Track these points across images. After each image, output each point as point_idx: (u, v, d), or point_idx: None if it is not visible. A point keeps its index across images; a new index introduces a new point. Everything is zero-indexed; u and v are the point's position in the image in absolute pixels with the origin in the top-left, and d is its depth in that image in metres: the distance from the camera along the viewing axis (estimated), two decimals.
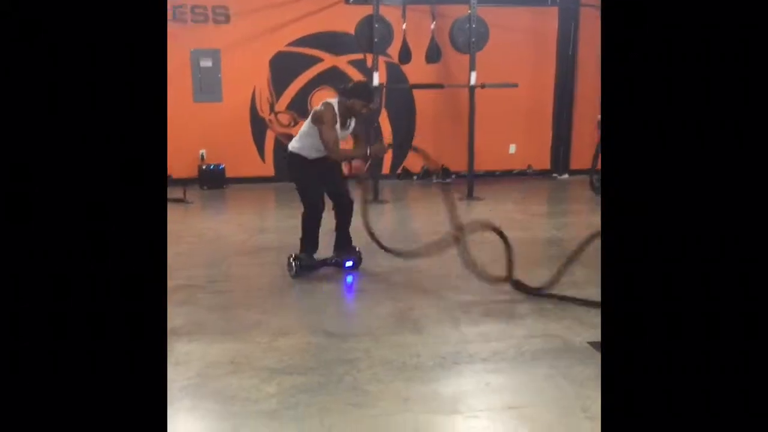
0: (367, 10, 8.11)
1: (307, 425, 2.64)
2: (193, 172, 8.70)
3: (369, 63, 8.38)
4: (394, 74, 9.02)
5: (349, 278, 4.77)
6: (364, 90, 4.60)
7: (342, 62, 9.06)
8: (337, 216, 4.88)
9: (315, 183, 4.71)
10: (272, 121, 9.05)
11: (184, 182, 8.20)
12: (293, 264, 4.69)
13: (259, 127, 9.06)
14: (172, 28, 8.46)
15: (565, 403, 2.81)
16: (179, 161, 8.63)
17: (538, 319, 3.82)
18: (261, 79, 8.90)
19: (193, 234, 6.34)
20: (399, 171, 9.53)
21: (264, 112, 9.02)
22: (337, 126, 4.52)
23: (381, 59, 8.43)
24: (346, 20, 8.62)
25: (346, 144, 4.92)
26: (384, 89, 8.89)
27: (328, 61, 9.00)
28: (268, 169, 9.18)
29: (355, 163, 4.97)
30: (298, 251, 4.81)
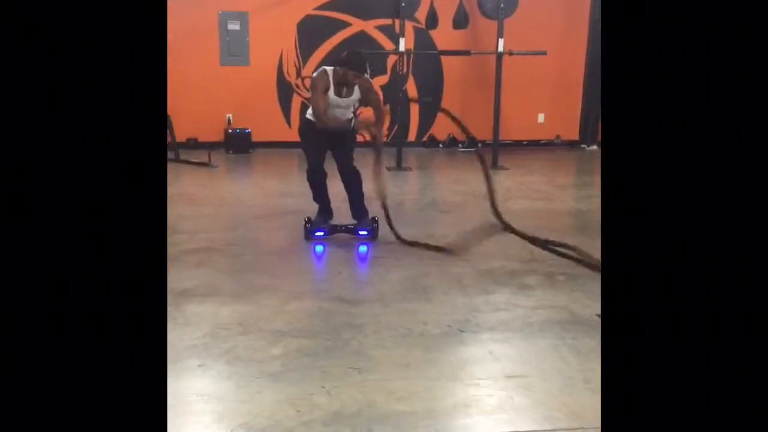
0: None
1: (307, 387, 2.67)
2: (219, 136, 8.72)
3: (397, 28, 8.37)
4: (422, 40, 8.95)
5: (363, 248, 4.74)
6: (356, 60, 4.61)
7: (370, 27, 8.97)
8: (344, 187, 4.95)
9: (315, 147, 4.77)
10: (299, 85, 9.03)
11: (210, 146, 8.23)
12: (306, 227, 4.82)
13: (285, 91, 9.04)
14: None
15: (567, 374, 2.79)
16: (205, 125, 8.72)
17: (547, 291, 3.80)
18: (288, 43, 8.85)
19: (216, 198, 6.41)
20: (425, 138, 9.52)
21: (291, 76, 8.99)
22: (330, 93, 4.59)
23: (408, 24, 8.36)
24: None
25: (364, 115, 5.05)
26: (411, 55, 8.84)
27: (357, 25, 8.94)
28: (293, 134, 9.21)
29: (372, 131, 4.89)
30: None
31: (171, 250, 4.37)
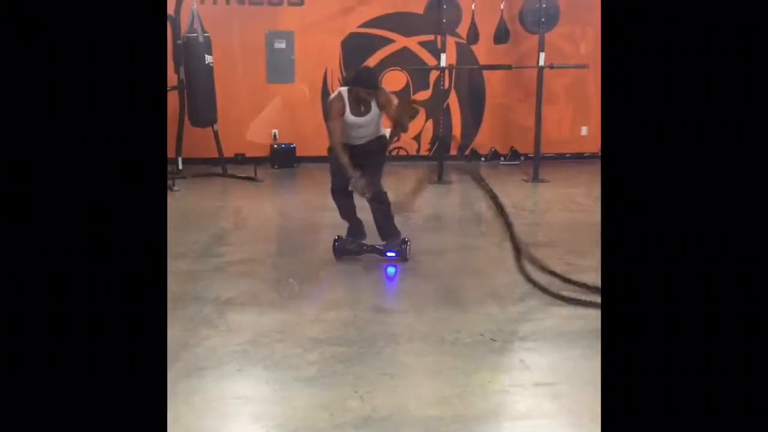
0: None
1: (341, 392, 2.76)
2: (265, 152, 8.80)
3: (439, 44, 8.37)
4: (464, 54, 8.92)
5: (391, 269, 4.55)
6: (364, 76, 4.49)
7: (412, 43, 9.01)
8: (369, 205, 4.79)
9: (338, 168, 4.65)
10: None
11: (256, 161, 8.32)
12: (335, 245, 4.67)
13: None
14: (247, 10, 8.62)
15: (597, 383, 2.82)
16: (251, 140, 8.97)
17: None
18: (333, 60, 8.91)
19: (261, 211, 6.55)
20: (467, 152, 9.55)
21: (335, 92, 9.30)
22: (347, 114, 4.47)
23: (450, 40, 8.35)
24: (417, 1, 8.61)
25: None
26: (453, 70, 8.92)
27: (399, 42, 8.96)
28: None
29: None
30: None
31: (217, 261, 4.68)
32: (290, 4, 8.69)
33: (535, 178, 7.90)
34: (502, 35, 8.47)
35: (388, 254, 4.72)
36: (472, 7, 8.25)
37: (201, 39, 7.55)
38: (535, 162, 8.07)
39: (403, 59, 8.93)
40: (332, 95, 4.63)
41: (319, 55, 8.91)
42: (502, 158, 9.27)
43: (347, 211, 4.87)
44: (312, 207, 6.69)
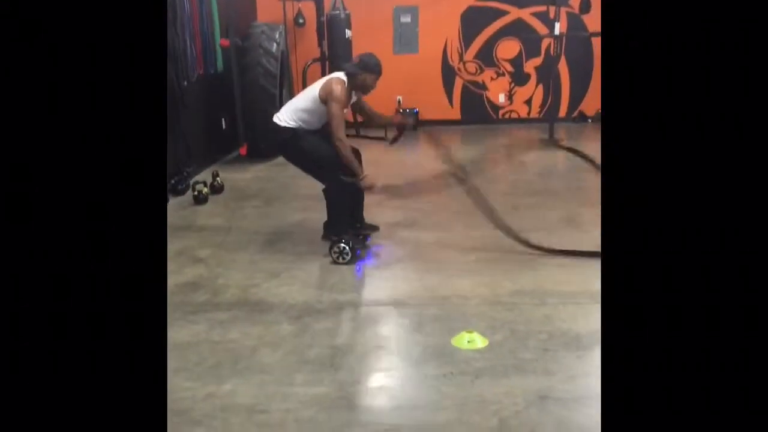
0: None
1: (495, 278, 3.61)
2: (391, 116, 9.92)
3: (551, 14, 8.50)
4: (575, 23, 8.82)
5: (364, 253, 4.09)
6: (375, 63, 3.93)
7: (526, 14, 8.94)
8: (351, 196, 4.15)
9: (327, 145, 3.91)
10: (461, 69, 9.47)
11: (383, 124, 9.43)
12: (343, 251, 3.86)
13: (449, 75, 9.30)
14: None
15: None
16: (379, 106, 9.78)
17: None
18: (452, 31, 9.08)
19: (394, 162, 6.99)
20: (574, 114, 9.57)
21: (454, 61, 9.31)
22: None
23: (563, 10, 8.32)
24: None
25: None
26: (564, 38, 9.54)
27: (514, 13, 9.00)
28: (455, 113, 9.44)
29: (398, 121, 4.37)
30: (333, 236, 4.01)
31: (376, 198, 5.01)
32: None
33: None
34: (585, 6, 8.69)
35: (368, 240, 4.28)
36: None
37: (342, 15, 8.25)
38: None
39: (517, 29, 9.01)
40: (332, 79, 3.90)
41: (440, 28, 9.04)
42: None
43: (346, 197, 4.12)
44: (437, 158, 7.65)
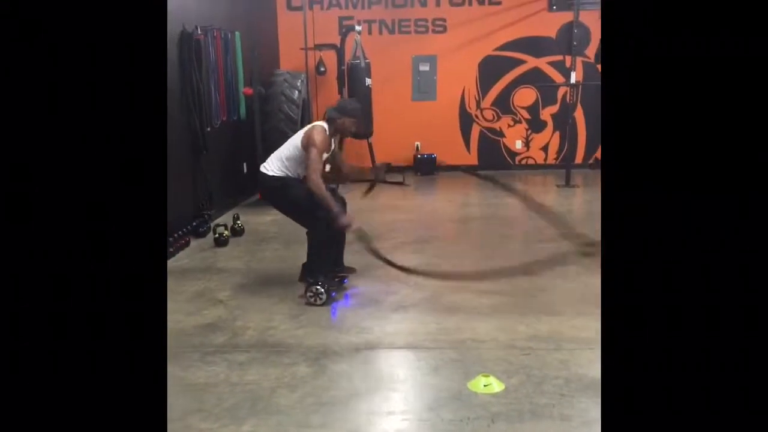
0: (567, 16, 8.50)
1: (509, 321, 3.62)
2: (409, 161, 9.23)
3: (568, 63, 8.71)
4: (590, 72, 8.93)
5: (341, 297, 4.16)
6: (354, 108, 4.10)
7: (542, 63, 9.05)
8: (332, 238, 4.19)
9: (309, 194, 3.93)
10: (478, 116, 9.53)
11: (401, 169, 8.71)
12: (318, 293, 3.94)
13: (466, 121, 9.39)
14: (397, 39, 9.12)
15: None
16: (398, 151, 9.67)
17: None
18: (470, 79, 9.20)
19: (412, 208, 7.27)
20: (591, 161, 9.51)
21: (471, 108, 9.42)
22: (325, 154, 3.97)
23: (578, 59, 8.51)
24: (548, 26, 8.83)
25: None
26: (580, 87, 9.66)
27: (530, 62, 9.13)
28: (472, 158, 9.51)
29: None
30: (309, 278, 4.06)
31: (393, 242, 5.35)
32: (435, 31, 9.09)
33: None
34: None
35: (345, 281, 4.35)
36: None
37: (363, 64, 8.61)
38: None
39: (533, 77, 9.13)
40: (314, 126, 4.03)
41: (458, 76, 9.19)
42: None
43: (330, 237, 4.14)
44: (456, 204, 7.72)
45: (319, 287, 3.93)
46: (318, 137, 3.93)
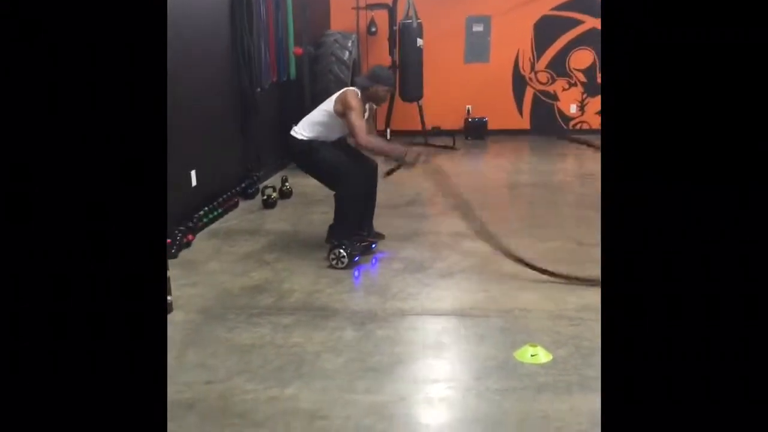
0: None
1: (561, 292, 3.50)
2: (459, 125, 9.09)
3: None
4: None
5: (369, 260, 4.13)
6: (387, 75, 4.10)
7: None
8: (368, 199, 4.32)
9: (343, 155, 4.10)
10: (532, 79, 9.28)
11: (451, 133, 8.60)
12: (340, 256, 3.95)
13: (519, 84, 9.18)
14: None
15: None
16: (449, 114, 9.15)
17: None
18: (525, 41, 8.98)
19: (462, 171, 7.09)
20: None
21: (525, 71, 9.18)
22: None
23: None
24: None
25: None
26: None
27: (589, 22, 8.84)
28: (525, 122, 9.29)
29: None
30: (334, 241, 4.08)
31: (440, 208, 5.33)
32: None
33: None
34: None
35: (373, 246, 4.34)
36: None
37: (414, 24, 8.38)
38: None
39: (590, 39, 8.82)
40: (345, 91, 4.04)
41: (513, 37, 8.95)
42: None
43: (361, 202, 4.25)
44: (506, 170, 7.53)
45: (341, 250, 3.93)
46: (353, 101, 3.92)
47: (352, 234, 4.13)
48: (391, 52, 8.47)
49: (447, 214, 4.96)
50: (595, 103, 9.57)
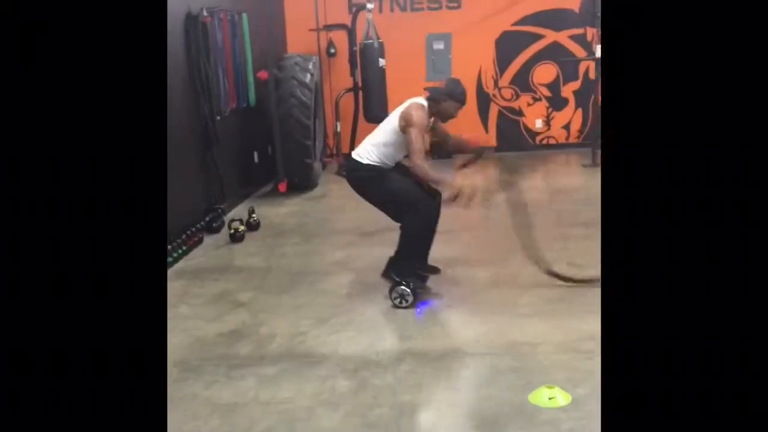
0: None
1: (568, 319, 3.26)
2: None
3: (589, 37, 8.36)
4: None
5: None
6: (461, 92, 3.69)
7: (563, 37, 8.67)
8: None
9: (411, 183, 3.68)
10: (496, 95, 9.06)
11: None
12: (404, 294, 3.61)
13: (483, 101, 8.97)
14: (411, 16, 8.76)
15: None
16: None
17: None
18: (487, 57, 8.78)
19: None
20: None
21: (489, 87, 8.99)
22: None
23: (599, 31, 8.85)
24: None
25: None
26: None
27: (550, 37, 8.74)
28: (491, 139, 9.27)
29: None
30: (396, 277, 3.70)
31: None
32: (449, 7, 8.69)
33: None
34: None
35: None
36: None
37: (376, 45, 8.36)
38: None
39: (553, 53, 8.69)
40: (411, 105, 3.63)
41: (474, 54, 8.74)
42: None
43: (432, 232, 3.81)
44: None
45: (405, 287, 3.57)
46: (418, 116, 3.54)
47: (416, 269, 3.74)
48: (352, 74, 8.23)
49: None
50: (561, 117, 9.47)
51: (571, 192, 6.50)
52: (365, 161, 3.71)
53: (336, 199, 6.68)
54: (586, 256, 4.21)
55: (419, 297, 3.62)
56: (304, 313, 3.61)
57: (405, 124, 3.55)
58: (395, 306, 3.57)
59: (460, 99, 3.71)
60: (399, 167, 3.76)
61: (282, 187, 6.73)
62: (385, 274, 3.92)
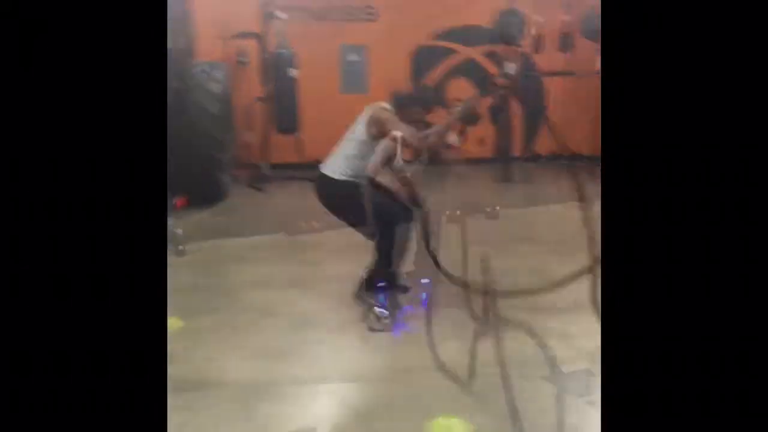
0: (502, 2, 8.24)
1: (454, 341, 3.03)
2: None
3: (504, 53, 8.40)
4: (526, 63, 8.80)
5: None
6: (430, 95, 3.71)
7: (477, 54, 8.87)
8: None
9: (387, 198, 3.58)
10: None
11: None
12: (383, 314, 3.45)
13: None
14: (325, 25, 8.69)
15: None
16: (330, 148, 9.51)
17: None
18: (403, 71, 8.87)
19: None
20: (527, 154, 9.39)
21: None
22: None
23: (514, 49, 8.47)
24: (483, 13, 8.63)
25: None
26: (517, 76, 9.38)
27: (463, 53, 8.91)
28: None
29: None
30: (364, 298, 3.59)
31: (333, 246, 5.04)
32: (364, 19, 8.71)
33: None
34: (565, 44, 8.75)
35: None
36: (535, 18, 8.72)
37: (287, 54, 8.14)
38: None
39: (467, 69, 8.91)
40: (373, 109, 3.47)
41: (390, 67, 8.77)
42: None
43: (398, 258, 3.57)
44: None
45: (381, 310, 3.41)
46: (388, 119, 3.31)
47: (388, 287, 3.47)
48: (263, 83, 7.97)
49: (339, 252, 4.53)
50: (475, 132, 9.51)
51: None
52: (342, 177, 3.43)
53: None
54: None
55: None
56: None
57: (377, 130, 3.32)
58: (372, 329, 3.40)
59: (427, 103, 3.63)
60: (373, 182, 3.50)
61: (180, 202, 6.36)
62: (358, 295, 3.65)
